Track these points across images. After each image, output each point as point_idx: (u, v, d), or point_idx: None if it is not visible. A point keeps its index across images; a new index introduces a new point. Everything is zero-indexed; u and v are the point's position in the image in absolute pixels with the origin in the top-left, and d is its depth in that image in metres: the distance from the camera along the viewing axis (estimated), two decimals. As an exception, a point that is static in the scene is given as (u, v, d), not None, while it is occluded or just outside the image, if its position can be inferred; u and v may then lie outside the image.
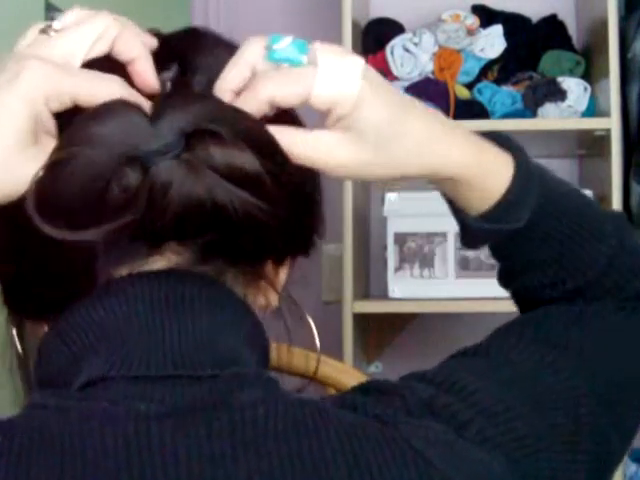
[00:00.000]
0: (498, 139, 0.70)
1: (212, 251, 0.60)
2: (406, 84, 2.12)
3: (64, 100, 0.57)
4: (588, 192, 2.02)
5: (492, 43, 2.14)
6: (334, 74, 0.59)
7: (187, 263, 0.60)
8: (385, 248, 2.06)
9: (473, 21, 2.16)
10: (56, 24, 0.61)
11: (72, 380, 0.56)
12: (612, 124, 1.94)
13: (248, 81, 0.60)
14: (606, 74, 1.95)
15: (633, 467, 2.10)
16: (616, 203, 1.92)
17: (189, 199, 0.56)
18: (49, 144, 0.56)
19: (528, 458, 0.58)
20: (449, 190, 0.70)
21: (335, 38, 2.01)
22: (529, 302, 0.73)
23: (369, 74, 0.61)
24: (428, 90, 2.09)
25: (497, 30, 2.14)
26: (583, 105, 2.05)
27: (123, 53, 0.61)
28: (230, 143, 0.56)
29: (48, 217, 0.54)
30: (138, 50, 0.61)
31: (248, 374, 0.57)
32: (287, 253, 0.66)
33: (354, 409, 0.57)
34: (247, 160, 0.57)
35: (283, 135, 0.59)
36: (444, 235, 2.01)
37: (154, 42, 0.63)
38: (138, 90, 0.59)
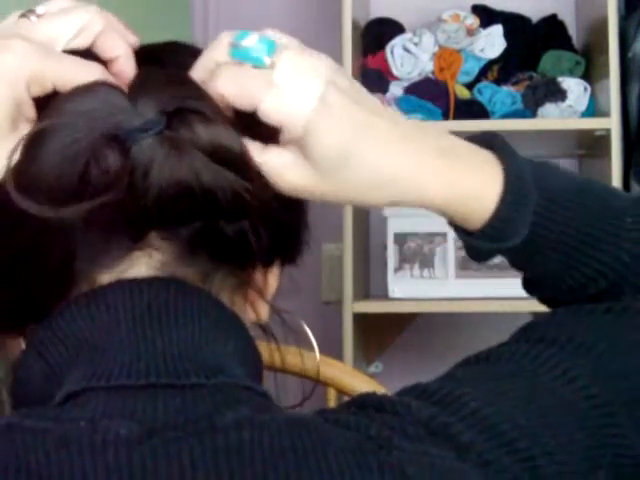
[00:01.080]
0: (487, 143, 0.64)
1: (197, 246, 0.57)
2: (406, 84, 2.12)
3: (46, 84, 0.55)
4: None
5: (492, 43, 2.14)
6: (287, 92, 0.55)
7: (171, 261, 0.58)
8: (385, 248, 2.06)
9: (473, 21, 2.16)
10: (40, 9, 0.58)
11: (53, 395, 0.54)
12: (612, 124, 1.94)
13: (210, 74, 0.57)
14: (606, 74, 1.95)
15: (633, 467, 2.10)
16: (616, 203, 1.92)
17: (173, 180, 0.53)
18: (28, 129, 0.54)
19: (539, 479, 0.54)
20: (435, 212, 0.64)
21: (335, 38, 2.01)
22: (558, 305, 0.68)
23: (330, 96, 0.56)
24: (428, 90, 2.09)
25: (497, 30, 2.14)
26: (583, 105, 2.05)
27: (105, 51, 0.59)
28: (215, 121, 0.54)
29: (27, 194, 0.52)
30: (120, 49, 0.59)
31: (235, 386, 0.55)
32: (275, 253, 0.63)
33: (348, 428, 0.53)
34: (233, 139, 0.55)
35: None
36: (444, 235, 2.01)
37: (137, 40, 0.61)
38: None
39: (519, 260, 0.67)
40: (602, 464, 0.57)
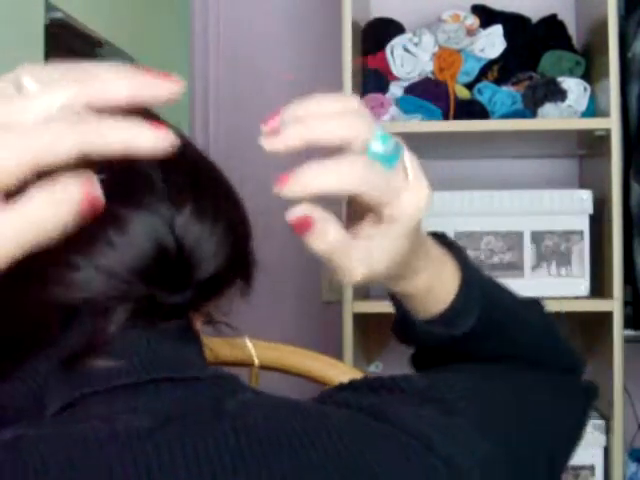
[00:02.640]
0: (445, 242, 0.69)
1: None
2: (406, 84, 2.12)
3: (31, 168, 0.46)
4: (588, 192, 2.02)
5: (492, 43, 2.14)
6: (421, 192, 0.57)
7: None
8: (385, 248, 2.06)
9: (473, 21, 2.16)
10: (28, 83, 0.49)
11: (37, 412, 0.55)
12: (612, 124, 1.94)
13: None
14: (606, 74, 1.95)
15: (633, 467, 2.10)
16: (616, 203, 1.92)
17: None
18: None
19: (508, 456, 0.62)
20: (400, 295, 0.68)
21: (335, 38, 2.01)
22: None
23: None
24: (428, 90, 2.09)
25: (497, 30, 2.15)
26: (583, 105, 2.05)
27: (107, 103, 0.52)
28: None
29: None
30: (122, 90, 0.49)
31: (228, 376, 0.59)
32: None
33: (347, 406, 0.58)
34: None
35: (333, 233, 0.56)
36: (444, 235, 2.01)
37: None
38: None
39: (447, 347, 0.72)
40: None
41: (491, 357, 0.72)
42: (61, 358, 0.56)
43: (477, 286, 0.69)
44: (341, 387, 0.63)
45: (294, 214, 0.51)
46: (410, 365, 0.78)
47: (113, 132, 0.46)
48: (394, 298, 0.69)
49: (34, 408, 0.56)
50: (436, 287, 0.66)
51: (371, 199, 0.54)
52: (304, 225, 0.52)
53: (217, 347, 0.77)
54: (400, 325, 0.71)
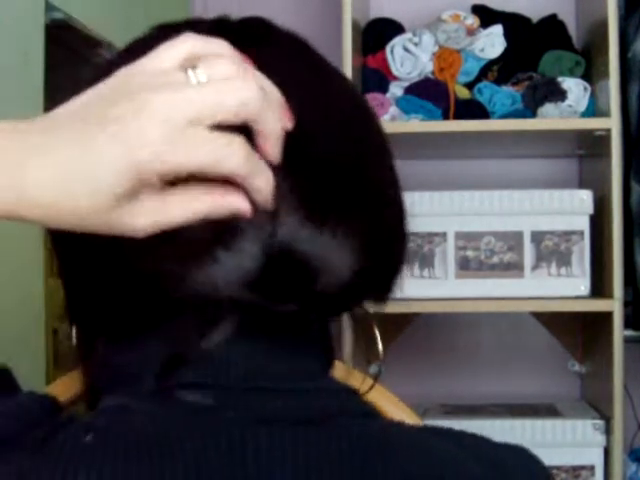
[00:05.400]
0: None
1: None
2: (406, 84, 2.12)
3: (179, 174, 0.49)
4: (588, 192, 2.02)
5: (492, 43, 2.14)
6: None
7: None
8: (385, 248, 2.06)
9: (473, 21, 2.16)
10: (201, 73, 0.51)
11: (137, 381, 0.56)
12: (612, 124, 1.94)
13: None
14: (606, 74, 1.95)
15: (633, 467, 2.10)
16: (616, 203, 1.92)
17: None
18: (150, 194, 0.50)
19: None
20: None
21: (335, 38, 2.01)
22: None
23: None
24: (428, 90, 2.09)
25: (497, 30, 2.14)
26: (583, 105, 2.05)
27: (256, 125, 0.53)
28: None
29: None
30: (272, 130, 0.53)
31: (339, 390, 0.59)
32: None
33: (444, 437, 0.59)
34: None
35: None
36: (444, 235, 2.01)
37: (290, 124, 0.54)
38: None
39: None
40: None
41: None
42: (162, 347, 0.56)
43: None
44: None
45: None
46: None
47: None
48: None
49: (134, 379, 0.57)
50: None
51: None
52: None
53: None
54: None
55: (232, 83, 0.51)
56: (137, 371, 0.57)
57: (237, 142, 0.50)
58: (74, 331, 0.63)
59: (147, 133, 0.48)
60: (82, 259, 0.58)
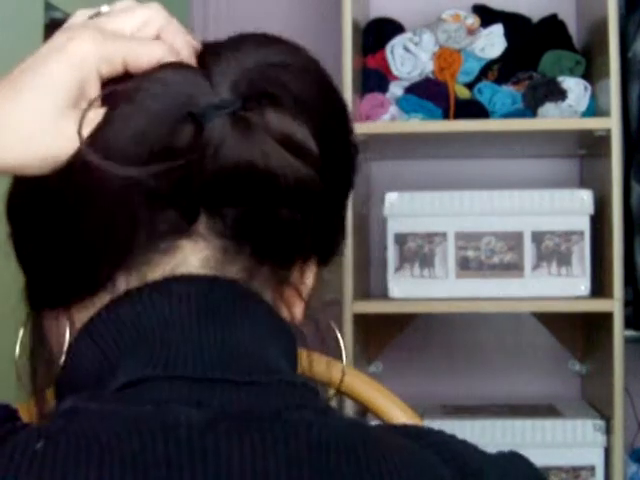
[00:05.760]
0: None
1: (243, 237, 0.59)
2: (406, 84, 2.12)
3: (116, 63, 0.58)
4: (588, 192, 2.02)
5: (492, 43, 2.13)
6: None
7: (218, 257, 0.59)
8: (385, 248, 2.06)
9: (473, 21, 2.16)
10: (104, 8, 0.62)
11: (105, 383, 0.55)
12: (612, 124, 1.94)
13: None
14: (606, 74, 1.95)
15: (634, 467, 2.10)
16: (616, 203, 1.92)
17: (242, 160, 0.55)
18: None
19: None
20: None
21: (335, 38, 2.01)
22: None
23: None
24: (428, 90, 2.08)
25: (497, 30, 2.14)
26: (583, 105, 2.05)
27: (167, 42, 0.61)
28: (288, 110, 0.56)
29: (103, 157, 0.55)
30: (182, 41, 0.61)
31: (297, 384, 0.56)
32: (315, 250, 0.64)
33: (405, 436, 0.56)
34: (303, 131, 0.57)
35: None
36: (444, 235, 2.01)
37: (197, 44, 0.62)
38: None
39: None
40: None
41: None
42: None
43: None
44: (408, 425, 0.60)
45: None
46: None
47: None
48: None
49: (98, 377, 0.56)
50: None
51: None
52: None
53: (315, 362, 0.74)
54: None
55: (132, 7, 0.61)
56: (94, 369, 0.57)
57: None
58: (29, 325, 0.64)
59: (80, 43, 0.57)
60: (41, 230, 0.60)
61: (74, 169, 0.56)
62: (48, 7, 1.58)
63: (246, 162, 0.55)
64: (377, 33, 2.19)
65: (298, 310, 0.64)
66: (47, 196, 0.58)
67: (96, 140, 0.56)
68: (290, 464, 0.50)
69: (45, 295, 0.62)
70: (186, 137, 0.56)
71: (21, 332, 0.64)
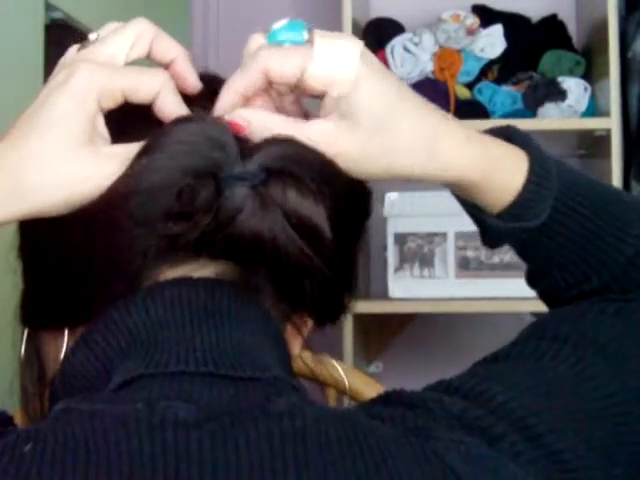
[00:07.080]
0: (507, 133, 0.68)
1: (249, 285, 0.60)
2: (406, 84, 2.12)
3: (116, 96, 0.57)
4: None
5: (492, 43, 2.14)
6: (332, 52, 0.59)
7: (228, 275, 0.59)
8: (385, 248, 2.06)
9: (473, 21, 2.16)
10: (92, 36, 0.62)
11: (102, 386, 0.55)
12: (612, 124, 1.94)
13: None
14: (606, 74, 1.95)
15: (633, 467, 2.10)
16: (616, 203, 1.92)
17: (252, 231, 0.55)
18: (103, 145, 0.57)
19: (565, 475, 0.55)
20: (458, 190, 0.66)
21: (335, 38, 2.01)
22: (558, 301, 0.69)
23: (368, 57, 0.61)
24: (428, 90, 2.09)
25: (497, 30, 2.14)
26: (583, 105, 2.05)
27: (161, 54, 0.62)
28: (307, 191, 0.56)
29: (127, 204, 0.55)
30: (176, 51, 0.62)
31: (284, 381, 0.56)
32: (316, 312, 0.65)
33: (382, 420, 0.55)
34: (316, 213, 0.56)
35: (275, 124, 0.59)
36: (444, 235, 2.01)
37: (189, 53, 0.63)
38: (180, 91, 0.60)
39: (529, 247, 0.68)
40: (619, 462, 0.58)
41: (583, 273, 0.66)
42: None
43: (550, 174, 0.66)
44: (379, 401, 0.59)
45: (230, 117, 0.58)
46: (527, 284, 0.73)
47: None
48: (466, 204, 0.68)
49: (93, 383, 0.56)
50: (495, 175, 0.63)
51: (284, 75, 0.59)
52: (236, 126, 0.57)
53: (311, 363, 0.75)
54: (479, 230, 0.68)
55: (119, 29, 0.62)
56: (89, 374, 0.57)
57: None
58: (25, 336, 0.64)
59: (80, 78, 0.57)
60: (54, 247, 0.60)
61: (96, 209, 0.56)
62: (48, 7, 1.58)
63: (256, 233, 0.55)
64: (377, 33, 2.19)
65: (296, 347, 0.65)
66: (59, 226, 0.58)
67: (127, 184, 0.55)
68: (274, 459, 0.50)
69: (54, 315, 0.62)
70: (204, 201, 0.55)
71: (25, 334, 0.64)
